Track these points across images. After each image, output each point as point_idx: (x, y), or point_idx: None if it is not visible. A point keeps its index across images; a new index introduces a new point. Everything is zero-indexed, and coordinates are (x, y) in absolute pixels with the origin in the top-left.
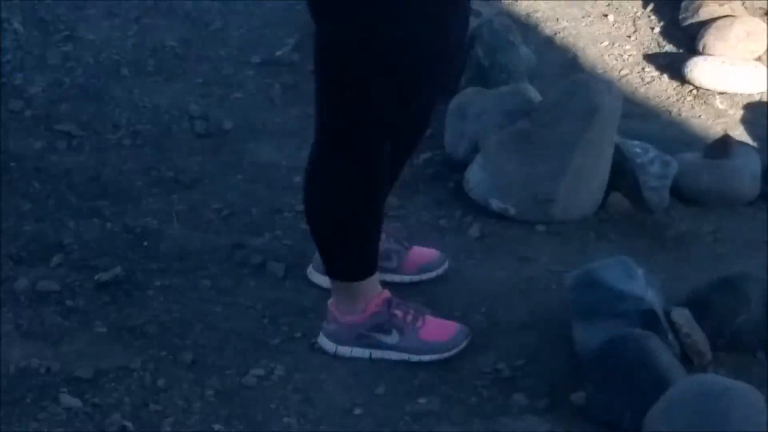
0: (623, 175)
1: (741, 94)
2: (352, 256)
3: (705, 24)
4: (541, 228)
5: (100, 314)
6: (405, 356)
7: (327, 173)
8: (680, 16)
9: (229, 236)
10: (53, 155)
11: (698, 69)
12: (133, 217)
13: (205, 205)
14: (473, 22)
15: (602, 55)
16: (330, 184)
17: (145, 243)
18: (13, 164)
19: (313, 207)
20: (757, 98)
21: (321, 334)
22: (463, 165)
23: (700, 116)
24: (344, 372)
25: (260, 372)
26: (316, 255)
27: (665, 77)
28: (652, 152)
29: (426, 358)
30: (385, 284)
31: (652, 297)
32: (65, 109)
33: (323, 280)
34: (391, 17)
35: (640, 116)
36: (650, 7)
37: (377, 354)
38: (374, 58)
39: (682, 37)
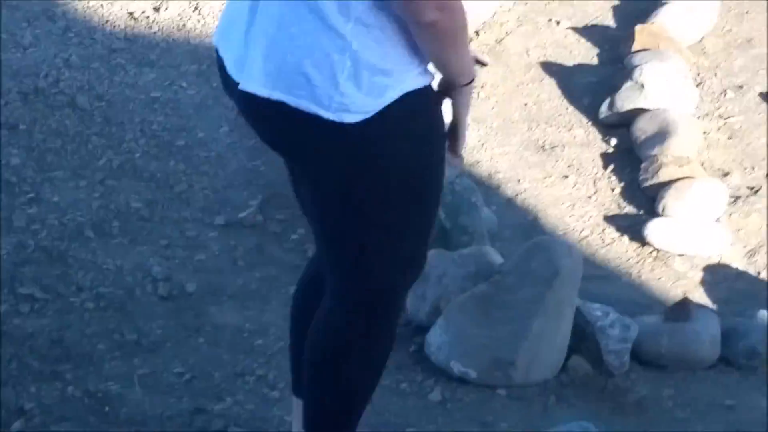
0: (584, 337)
1: (700, 256)
2: (347, 420)
3: (664, 185)
4: (502, 392)
5: None
6: None
7: (358, 331)
8: (640, 178)
9: (190, 401)
10: (16, 318)
11: (658, 231)
12: (95, 381)
13: (168, 368)
14: None
15: (563, 217)
16: (359, 343)
17: (107, 408)
18: None
19: (326, 368)
20: (716, 260)
21: None
22: (424, 328)
23: (660, 278)
24: None
25: None
26: None
27: (625, 239)
28: (613, 315)
29: None
30: None
31: None
32: (29, 271)
33: None
34: (424, 151)
35: (601, 278)
36: (610, 168)
37: None
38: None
39: (642, 199)
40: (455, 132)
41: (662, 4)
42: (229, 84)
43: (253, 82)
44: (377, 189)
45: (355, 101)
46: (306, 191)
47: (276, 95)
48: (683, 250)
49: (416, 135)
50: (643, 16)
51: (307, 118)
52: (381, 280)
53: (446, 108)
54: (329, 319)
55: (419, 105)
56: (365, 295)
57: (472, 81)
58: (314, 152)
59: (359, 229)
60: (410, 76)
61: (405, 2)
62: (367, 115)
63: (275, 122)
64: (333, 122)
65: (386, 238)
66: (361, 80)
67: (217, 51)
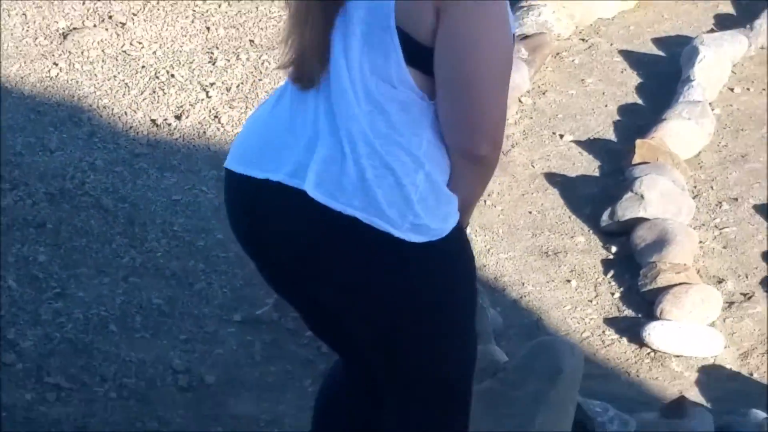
0: None
1: (696, 357)
2: None
3: (662, 290)
4: None
5: None
6: None
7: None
8: (639, 283)
9: None
10: (42, 406)
11: (655, 333)
12: None
13: None
14: None
15: (565, 318)
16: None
17: None
18: (4, 414)
19: None
20: (710, 361)
21: None
22: None
23: (657, 378)
24: None
25: None
26: None
27: (624, 340)
28: (612, 411)
29: None
30: None
31: None
32: (55, 362)
33: None
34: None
35: (601, 377)
36: (611, 273)
37: None
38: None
39: (640, 303)
40: None
41: (662, 120)
42: (247, 201)
43: (322, 195)
44: (437, 298)
45: (425, 224)
46: (345, 307)
47: (349, 210)
48: (680, 351)
49: (462, 254)
50: (643, 131)
51: (375, 233)
52: (455, 376)
53: None
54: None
55: (459, 231)
56: (443, 394)
57: (466, 226)
58: (369, 262)
59: (430, 337)
60: (456, 212)
61: (466, 133)
62: (433, 238)
63: (337, 234)
64: (399, 239)
65: (453, 337)
66: (428, 205)
67: (233, 173)
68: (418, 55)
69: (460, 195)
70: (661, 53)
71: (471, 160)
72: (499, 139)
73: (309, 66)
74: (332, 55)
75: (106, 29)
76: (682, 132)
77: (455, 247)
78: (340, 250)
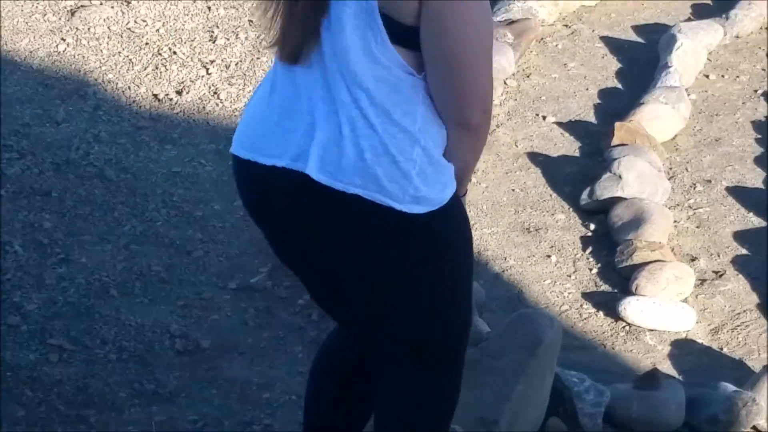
0: (561, 401)
1: (669, 332)
2: None
3: (638, 267)
4: None
5: None
6: None
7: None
8: (616, 259)
9: None
10: (45, 367)
11: (631, 308)
12: (116, 425)
13: (182, 416)
14: None
15: (545, 292)
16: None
17: None
18: (9, 374)
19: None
20: (683, 335)
21: None
22: None
23: (631, 350)
24: None
25: None
26: None
27: (601, 314)
28: (588, 381)
29: None
30: None
31: None
32: (58, 325)
33: None
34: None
35: (578, 349)
36: (589, 250)
37: None
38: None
39: (617, 278)
40: None
41: (640, 104)
42: (256, 183)
43: (325, 177)
44: (442, 266)
45: (425, 195)
46: (354, 281)
47: (351, 189)
48: (653, 326)
49: (461, 220)
50: (622, 114)
51: (378, 208)
52: (454, 341)
53: None
54: (412, 383)
55: (456, 199)
56: (441, 360)
57: (466, 193)
58: (375, 237)
59: (433, 303)
60: (453, 180)
61: (457, 104)
62: (434, 207)
63: (342, 212)
64: (402, 212)
65: (454, 301)
66: (427, 177)
67: (241, 159)
68: (404, 35)
69: (456, 164)
70: (640, 40)
71: (465, 128)
72: (489, 107)
73: (297, 40)
74: (325, 38)
75: (112, 7)
76: (659, 116)
77: (454, 213)
78: (346, 226)
